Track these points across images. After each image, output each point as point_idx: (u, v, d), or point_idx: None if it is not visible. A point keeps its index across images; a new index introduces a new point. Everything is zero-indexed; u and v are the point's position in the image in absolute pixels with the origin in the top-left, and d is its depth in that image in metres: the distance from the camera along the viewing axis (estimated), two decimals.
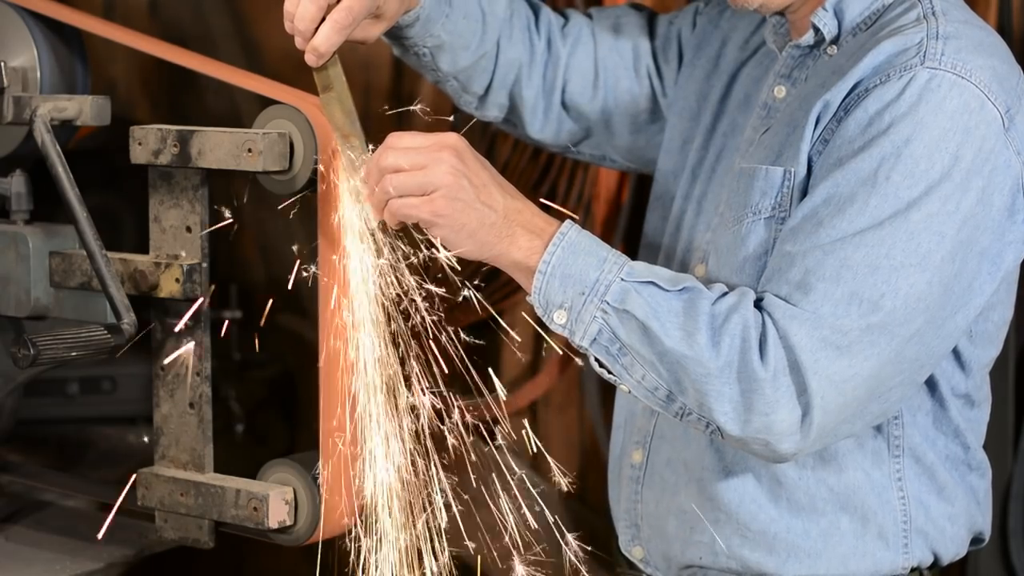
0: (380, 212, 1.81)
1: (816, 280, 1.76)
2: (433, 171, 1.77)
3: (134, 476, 2.05)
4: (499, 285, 3.12)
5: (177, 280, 1.97)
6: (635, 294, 1.77)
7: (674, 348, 1.75)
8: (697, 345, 1.75)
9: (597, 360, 1.82)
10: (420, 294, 1.86)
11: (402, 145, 1.80)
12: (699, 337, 1.75)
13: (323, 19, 1.90)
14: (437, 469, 1.89)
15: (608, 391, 3.02)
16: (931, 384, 1.93)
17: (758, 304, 1.79)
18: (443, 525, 1.89)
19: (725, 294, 1.80)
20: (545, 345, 1.86)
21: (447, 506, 1.89)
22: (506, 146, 3.05)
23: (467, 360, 1.91)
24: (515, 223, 1.81)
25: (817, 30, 1.92)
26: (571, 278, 1.79)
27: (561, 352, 1.86)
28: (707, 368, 1.75)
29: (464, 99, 2.24)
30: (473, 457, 1.99)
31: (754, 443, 1.78)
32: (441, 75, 2.19)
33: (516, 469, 2.11)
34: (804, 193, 1.86)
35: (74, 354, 1.91)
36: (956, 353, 1.93)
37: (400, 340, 1.88)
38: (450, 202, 1.77)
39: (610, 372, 1.81)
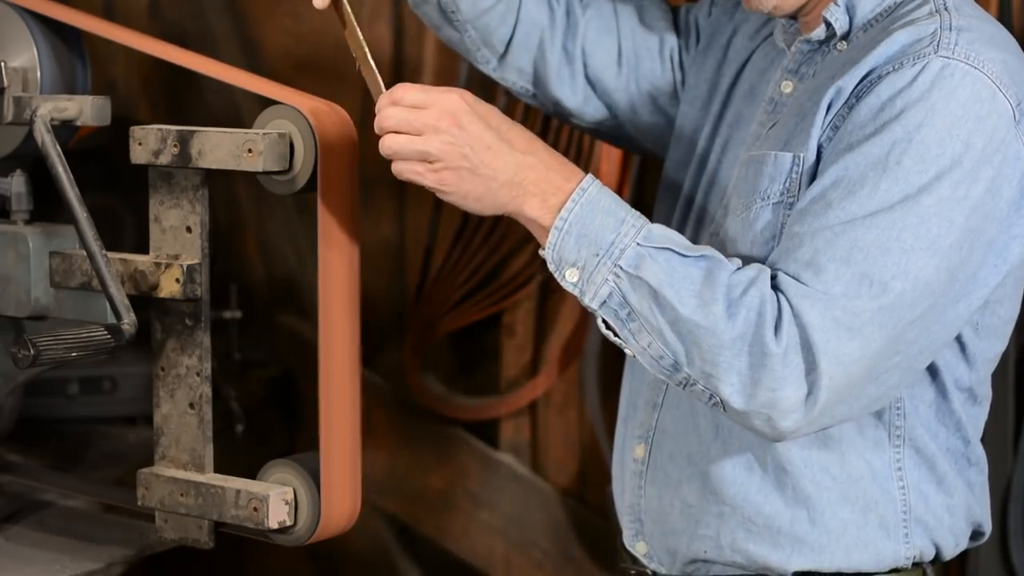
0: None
1: (827, 260, 1.77)
2: (429, 141, 1.77)
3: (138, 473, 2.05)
4: (499, 285, 3.13)
5: (177, 280, 1.97)
6: (650, 260, 1.77)
7: (688, 317, 1.75)
8: (712, 315, 1.75)
9: (604, 322, 1.82)
10: None
11: (406, 101, 1.80)
12: (715, 307, 1.75)
13: None
14: None
15: (608, 391, 3.03)
16: (934, 375, 1.93)
17: (772, 281, 1.79)
18: None
19: (742, 267, 1.80)
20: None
21: None
22: None
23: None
24: (528, 180, 1.80)
25: (828, 25, 1.93)
26: (587, 237, 1.79)
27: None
28: (720, 339, 1.74)
29: (482, 54, 2.23)
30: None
31: (756, 418, 1.78)
32: (460, 21, 2.18)
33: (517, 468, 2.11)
34: (813, 179, 1.86)
35: (74, 354, 1.91)
36: (961, 345, 1.93)
37: None
38: (453, 172, 1.78)
39: (616, 335, 1.81)
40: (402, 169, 1.79)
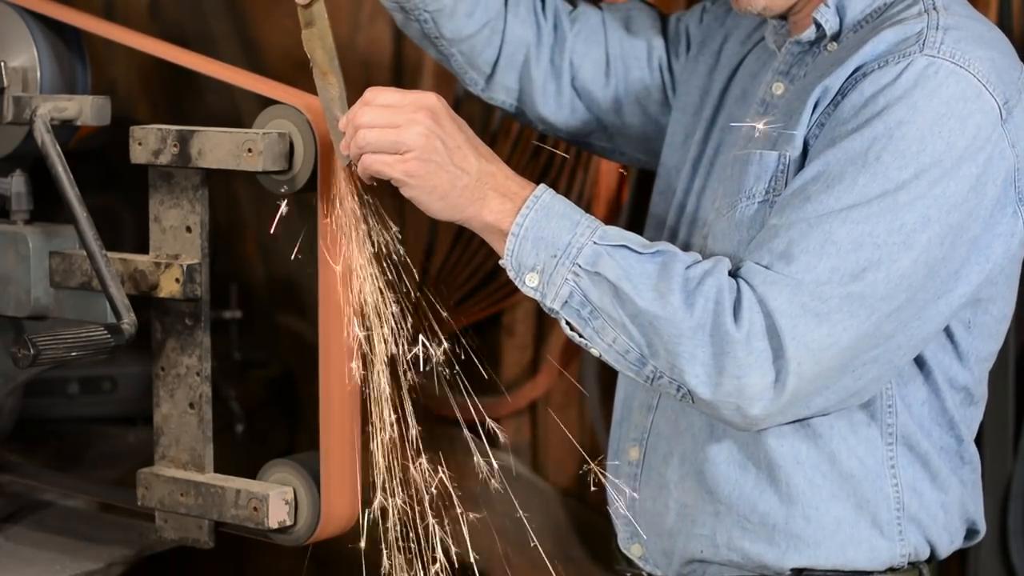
0: (355, 161, 1.83)
1: (799, 252, 1.78)
2: (407, 132, 1.78)
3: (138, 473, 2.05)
4: (499, 285, 3.13)
5: (177, 280, 1.97)
6: (607, 257, 1.78)
7: (647, 308, 1.76)
8: (670, 305, 1.76)
9: (568, 324, 1.82)
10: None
11: (379, 102, 1.80)
12: (672, 298, 1.76)
13: None
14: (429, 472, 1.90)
15: (608, 391, 3.03)
16: (927, 374, 1.94)
17: (736, 271, 1.80)
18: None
19: (699, 261, 1.82)
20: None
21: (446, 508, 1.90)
22: (506, 145, 3.05)
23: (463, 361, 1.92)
24: (488, 186, 1.82)
25: (819, 26, 1.93)
26: (543, 241, 1.80)
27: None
28: (680, 328, 1.75)
29: (470, 77, 2.24)
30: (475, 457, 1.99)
31: (725, 407, 1.78)
32: (444, 44, 2.19)
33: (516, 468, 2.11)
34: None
35: (74, 354, 1.91)
36: (953, 343, 1.94)
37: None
38: (423, 164, 1.78)
39: (581, 336, 1.82)
40: (371, 162, 1.80)
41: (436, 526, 1.92)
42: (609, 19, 2.25)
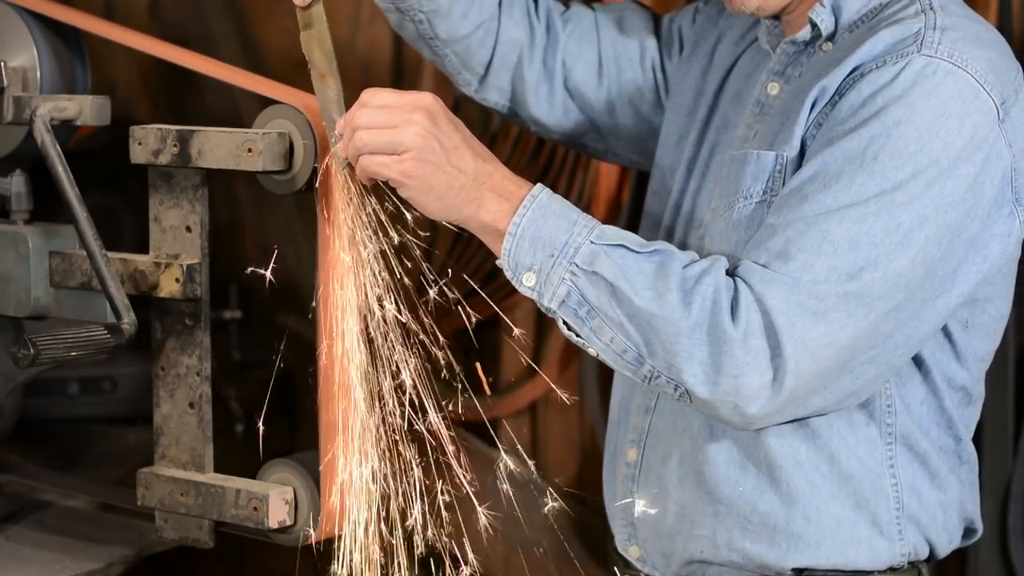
0: (353, 163, 1.83)
1: (797, 251, 1.78)
2: (403, 132, 1.79)
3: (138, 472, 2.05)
4: (499, 285, 3.12)
5: (177, 280, 1.97)
6: (604, 256, 1.79)
7: (645, 308, 1.76)
8: (668, 304, 1.76)
9: (566, 323, 1.82)
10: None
11: (376, 103, 1.81)
12: (670, 297, 1.76)
13: None
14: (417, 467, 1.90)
15: (608, 391, 3.03)
16: (925, 373, 1.94)
17: (733, 270, 1.81)
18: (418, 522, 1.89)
19: (697, 260, 1.82)
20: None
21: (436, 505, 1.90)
22: (506, 145, 3.05)
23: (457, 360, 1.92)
24: (485, 186, 1.82)
25: (814, 26, 1.94)
26: (540, 240, 1.80)
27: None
28: (678, 327, 1.76)
29: (463, 77, 2.24)
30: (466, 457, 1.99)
31: (722, 406, 1.79)
32: (439, 45, 2.19)
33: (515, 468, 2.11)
34: None
35: (74, 354, 1.91)
36: (951, 343, 1.94)
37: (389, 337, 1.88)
38: (420, 164, 1.79)
39: (578, 335, 1.82)
40: (368, 163, 1.80)
41: (435, 526, 1.92)
42: (602, 20, 2.26)
